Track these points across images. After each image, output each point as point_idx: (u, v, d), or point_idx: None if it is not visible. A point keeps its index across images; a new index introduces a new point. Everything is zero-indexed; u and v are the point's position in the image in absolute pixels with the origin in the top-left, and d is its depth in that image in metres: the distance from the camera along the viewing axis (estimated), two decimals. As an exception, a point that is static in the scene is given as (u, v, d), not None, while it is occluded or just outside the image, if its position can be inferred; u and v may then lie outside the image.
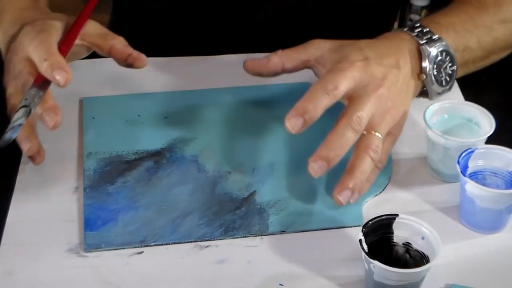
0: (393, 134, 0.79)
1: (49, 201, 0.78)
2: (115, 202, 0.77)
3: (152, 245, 0.73)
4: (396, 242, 0.70)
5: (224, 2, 1.04)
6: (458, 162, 0.74)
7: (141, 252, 0.73)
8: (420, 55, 0.83)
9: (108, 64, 0.86)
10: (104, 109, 0.90)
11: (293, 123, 0.73)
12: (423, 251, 0.69)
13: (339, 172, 0.76)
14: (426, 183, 0.81)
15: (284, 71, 0.84)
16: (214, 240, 0.74)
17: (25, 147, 0.77)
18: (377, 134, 0.75)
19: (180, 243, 0.74)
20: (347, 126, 0.74)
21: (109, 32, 0.83)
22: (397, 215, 0.70)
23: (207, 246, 0.74)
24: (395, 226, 0.70)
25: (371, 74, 0.77)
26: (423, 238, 0.69)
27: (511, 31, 0.92)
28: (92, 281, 0.70)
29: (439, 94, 0.85)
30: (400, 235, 0.70)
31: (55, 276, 0.70)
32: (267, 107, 0.91)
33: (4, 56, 0.84)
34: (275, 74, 0.84)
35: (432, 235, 0.68)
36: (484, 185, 0.73)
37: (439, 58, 0.84)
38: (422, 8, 2.33)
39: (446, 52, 0.85)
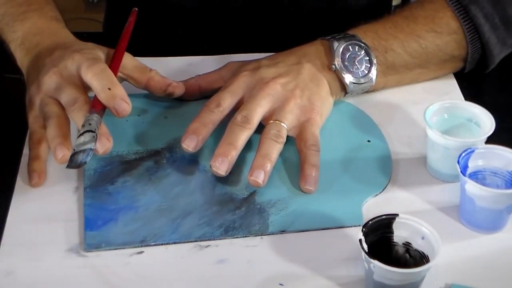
0: (310, 118, 0.83)
1: (49, 201, 0.78)
2: (115, 202, 0.77)
3: (152, 245, 0.73)
4: (396, 242, 0.70)
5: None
6: (458, 162, 0.74)
7: (141, 252, 0.73)
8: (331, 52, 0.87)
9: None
10: None
11: (188, 142, 0.80)
12: (423, 251, 0.69)
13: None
14: (426, 183, 0.81)
15: (201, 91, 0.90)
16: (214, 240, 0.74)
17: (59, 155, 0.76)
18: (277, 122, 0.81)
19: (180, 243, 0.74)
20: (234, 126, 0.80)
21: (144, 65, 0.87)
22: (397, 215, 0.70)
23: (207, 246, 0.74)
24: (395, 226, 0.70)
25: (258, 77, 0.84)
26: (423, 238, 0.69)
27: (445, 42, 0.90)
28: (92, 281, 0.70)
29: (357, 85, 0.87)
30: (400, 235, 0.70)
31: (55, 276, 0.70)
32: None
33: (27, 77, 0.84)
34: (193, 95, 0.90)
35: (432, 235, 0.68)
36: (484, 185, 0.73)
37: (350, 51, 0.87)
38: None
39: (357, 45, 0.87)
